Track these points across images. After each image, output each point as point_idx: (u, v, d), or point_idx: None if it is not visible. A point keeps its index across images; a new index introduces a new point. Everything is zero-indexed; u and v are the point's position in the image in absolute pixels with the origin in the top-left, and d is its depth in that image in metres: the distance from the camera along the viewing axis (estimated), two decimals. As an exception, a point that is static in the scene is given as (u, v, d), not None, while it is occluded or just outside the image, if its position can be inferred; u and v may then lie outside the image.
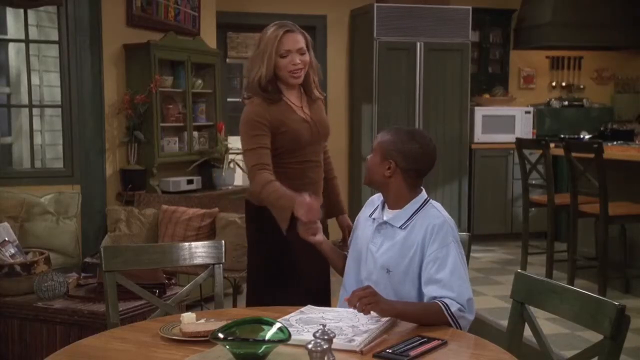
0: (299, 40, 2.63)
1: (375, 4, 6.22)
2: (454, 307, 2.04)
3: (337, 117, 6.73)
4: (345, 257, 2.41)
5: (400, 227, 2.19)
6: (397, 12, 6.24)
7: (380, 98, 6.25)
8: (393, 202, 2.25)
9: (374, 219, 2.28)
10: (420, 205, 2.23)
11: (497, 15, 7.12)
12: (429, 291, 2.09)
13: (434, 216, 2.19)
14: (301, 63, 2.63)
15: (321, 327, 1.60)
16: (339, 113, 6.70)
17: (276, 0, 6.42)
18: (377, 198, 2.35)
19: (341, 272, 2.42)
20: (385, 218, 2.24)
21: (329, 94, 6.68)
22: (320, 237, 2.36)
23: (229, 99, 6.57)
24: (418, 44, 6.25)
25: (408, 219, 2.20)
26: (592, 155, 4.48)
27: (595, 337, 1.72)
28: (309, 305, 2.12)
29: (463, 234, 2.34)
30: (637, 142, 6.43)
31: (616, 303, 1.69)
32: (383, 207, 2.28)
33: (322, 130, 2.76)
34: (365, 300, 1.93)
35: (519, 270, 2.14)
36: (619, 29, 6.95)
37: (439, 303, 2.04)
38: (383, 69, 6.23)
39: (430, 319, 2.02)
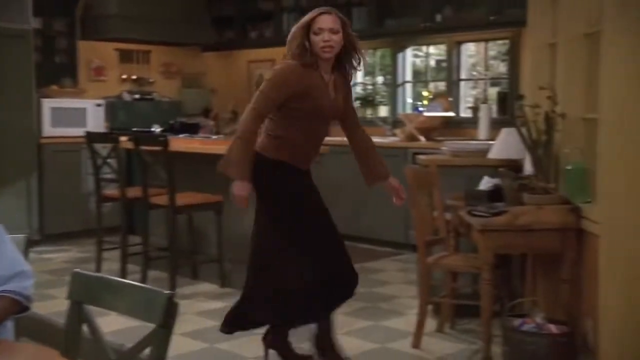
0: (332, 20, 3.00)
1: None
2: (26, 291, 2.04)
3: None
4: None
5: None
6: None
7: None
8: None
9: None
10: None
11: (60, 2, 6.80)
12: None
13: None
14: (331, 41, 2.98)
15: None
16: None
17: None
18: None
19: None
20: None
21: None
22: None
23: None
24: (-29, 27, 5.62)
25: None
26: (160, 148, 4.60)
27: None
28: None
29: (20, 236, 2.23)
30: (201, 134, 6.86)
31: (166, 292, 1.71)
32: None
33: (336, 113, 3.17)
34: None
35: (76, 270, 2.04)
36: (183, 26, 7.30)
37: (11, 296, 2.02)
38: None
39: (8, 312, 2.02)
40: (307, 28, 3.01)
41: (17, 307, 2.04)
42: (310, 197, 3.18)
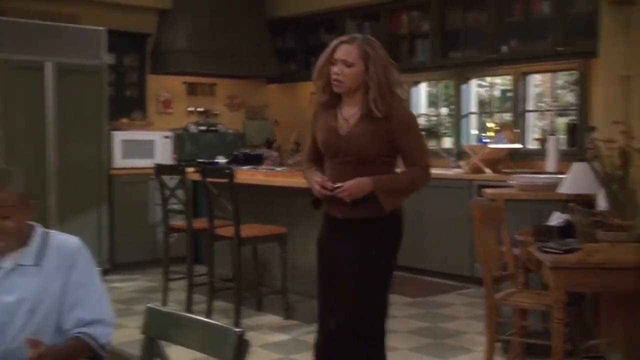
0: (346, 51, 2.66)
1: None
2: (102, 339, 2.07)
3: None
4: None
5: (34, 265, 2.05)
6: (19, 28, 5.75)
7: (4, 121, 5.70)
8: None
9: None
10: (44, 236, 2.12)
11: (132, 38, 7.06)
12: (77, 315, 2.05)
13: (67, 242, 2.14)
14: (341, 75, 2.66)
15: None
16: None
17: None
18: None
19: None
20: (10, 263, 2.04)
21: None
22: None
23: None
24: (48, 64, 5.86)
25: (39, 253, 2.07)
26: (225, 180, 4.66)
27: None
28: None
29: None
30: (264, 165, 6.93)
31: (237, 330, 1.73)
32: None
33: (350, 148, 2.71)
34: None
35: (150, 305, 2.07)
36: (249, 59, 7.46)
37: (86, 339, 2.04)
38: (8, 90, 5.70)
39: (79, 356, 2.02)
40: (331, 57, 2.72)
41: (89, 352, 2.05)
42: (324, 259, 2.89)
